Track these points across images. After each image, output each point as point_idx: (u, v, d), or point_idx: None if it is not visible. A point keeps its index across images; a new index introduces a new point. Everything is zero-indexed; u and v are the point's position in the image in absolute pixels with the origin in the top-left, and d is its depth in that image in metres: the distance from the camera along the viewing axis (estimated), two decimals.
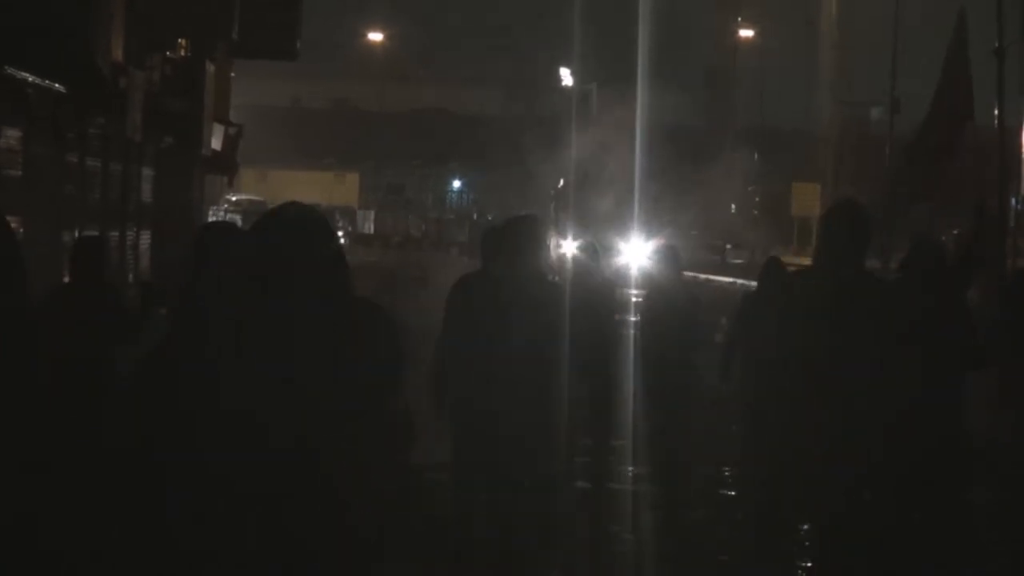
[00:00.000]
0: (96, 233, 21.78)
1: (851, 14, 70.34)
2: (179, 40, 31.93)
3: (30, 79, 19.75)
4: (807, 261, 8.18)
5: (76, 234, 20.86)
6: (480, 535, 7.74)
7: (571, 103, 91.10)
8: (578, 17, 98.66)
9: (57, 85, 20.67)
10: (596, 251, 9.97)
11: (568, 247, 45.63)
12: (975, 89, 10.12)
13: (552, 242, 9.40)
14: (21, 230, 17.86)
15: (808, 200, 64.07)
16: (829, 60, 73.12)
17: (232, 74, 44.34)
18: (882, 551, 7.23)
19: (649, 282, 10.46)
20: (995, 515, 8.12)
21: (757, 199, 70.85)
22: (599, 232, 40.25)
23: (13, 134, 20.32)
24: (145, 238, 28.73)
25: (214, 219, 37.02)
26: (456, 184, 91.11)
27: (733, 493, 11.37)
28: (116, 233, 25.05)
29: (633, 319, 11.14)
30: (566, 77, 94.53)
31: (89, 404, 5.89)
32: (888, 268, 29.52)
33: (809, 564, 8.25)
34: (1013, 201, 35.53)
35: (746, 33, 70.96)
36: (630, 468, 10.48)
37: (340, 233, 66.93)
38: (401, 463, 4.44)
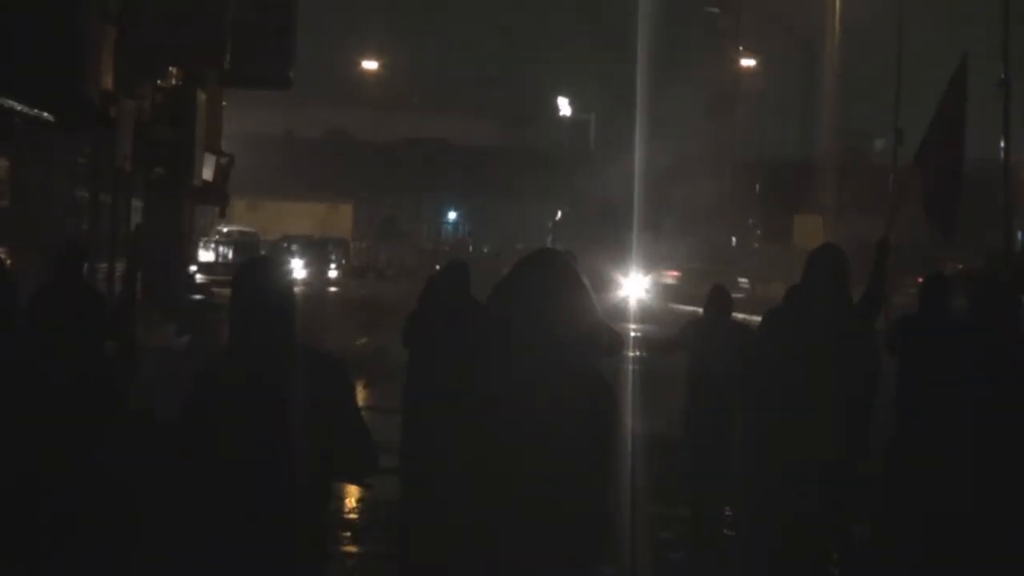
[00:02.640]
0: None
1: (854, 44, 70.51)
2: (170, 68, 31.96)
3: (18, 107, 19.77)
4: None
5: None
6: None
7: (569, 133, 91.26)
8: (576, 47, 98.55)
9: (46, 114, 20.69)
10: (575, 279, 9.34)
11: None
12: (970, 126, 10.08)
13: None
14: (9, 261, 17.85)
15: (810, 232, 64.15)
16: (831, 90, 73.19)
17: (224, 103, 44.35)
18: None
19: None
20: None
21: (758, 231, 70.91)
22: (599, 263, 40.19)
23: (1, 163, 20.33)
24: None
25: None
26: (451, 215, 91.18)
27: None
28: (105, 265, 25.04)
29: (633, 354, 11.05)
30: (564, 107, 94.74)
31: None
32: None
33: None
34: (1020, 235, 35.56)
35: (747, 62, 71.06)
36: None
37: (332, 265, 66.99)
38: None
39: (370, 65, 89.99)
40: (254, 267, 5.49)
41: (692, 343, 11.54)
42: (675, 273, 56.50)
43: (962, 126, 9.85)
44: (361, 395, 18.37)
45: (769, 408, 8.23)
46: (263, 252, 51.80)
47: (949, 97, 9.86)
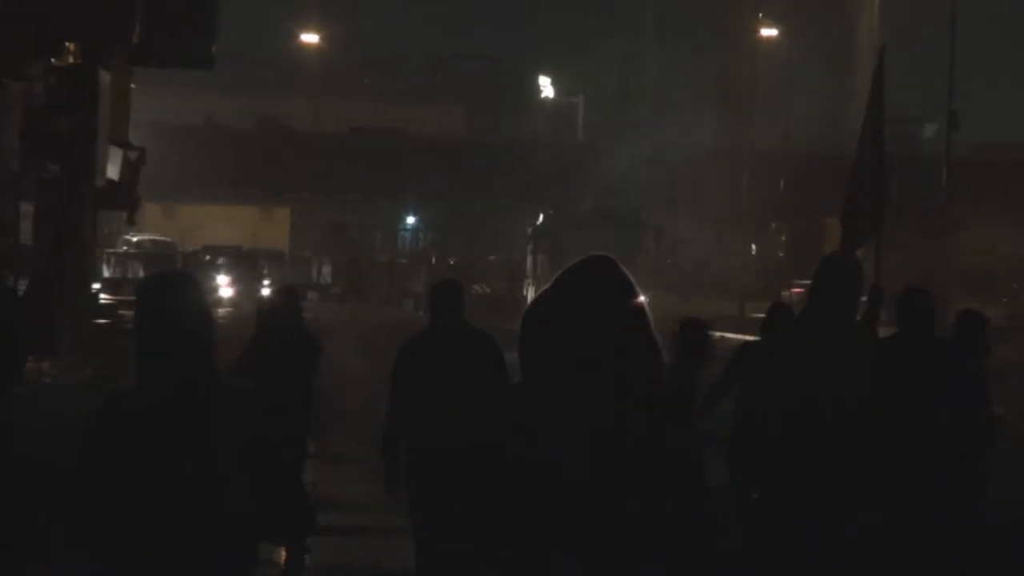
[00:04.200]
0: None
1: (895, 12, 70.77)
2: (66, 44, 31.92)
3: None
4: None
5: None
6: None
7: (552, 119, 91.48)
8: (561, 16, 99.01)
9: None
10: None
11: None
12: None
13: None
14: None
15: None
16: (869, 68, 73.27)
17: (132, 86, 44.35)
18: None
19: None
20: None
21: (783, 238, 71.21)
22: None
23: None
24: (22, 289, 28.65)
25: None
26: (410, 221, 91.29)
27: None
28: None
29: None
30: (546, 88, 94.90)
31: None
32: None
33: None
34: None
35: (768, 32, 70.99)
36: None
37: (266, 283, 67.01)
38: None
39: (310, 39, 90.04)
40: (160, 283, 5.44)
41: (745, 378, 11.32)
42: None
43: (880, 124, 10.60)
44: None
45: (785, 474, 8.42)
46: (180, 266, 51.79)
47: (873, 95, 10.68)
